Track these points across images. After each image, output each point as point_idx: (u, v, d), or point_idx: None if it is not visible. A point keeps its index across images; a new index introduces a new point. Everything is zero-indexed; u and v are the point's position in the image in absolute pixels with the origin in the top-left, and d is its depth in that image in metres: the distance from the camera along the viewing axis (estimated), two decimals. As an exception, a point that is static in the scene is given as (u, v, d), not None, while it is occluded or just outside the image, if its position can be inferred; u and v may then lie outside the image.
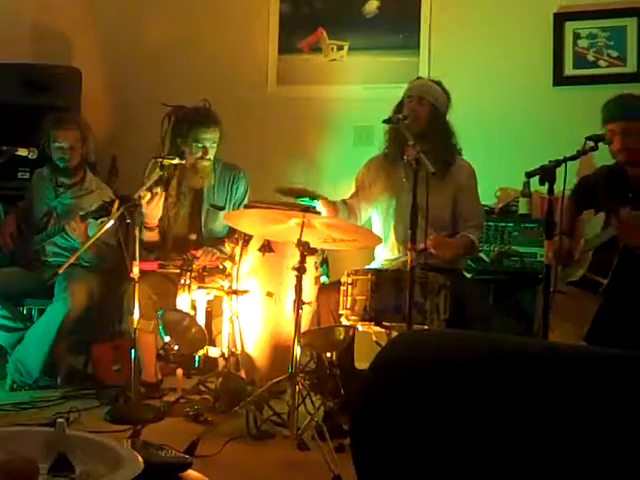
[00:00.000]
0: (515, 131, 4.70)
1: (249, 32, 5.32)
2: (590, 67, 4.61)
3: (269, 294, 3.45)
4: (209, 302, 3.72)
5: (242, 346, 3.51)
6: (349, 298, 3.27)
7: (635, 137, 3.47)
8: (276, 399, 3.49)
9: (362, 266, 3.68)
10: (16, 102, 4.88)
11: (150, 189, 3.81)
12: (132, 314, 3.54)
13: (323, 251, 3.66)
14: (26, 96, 4.91)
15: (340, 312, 3.32)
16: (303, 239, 3.11)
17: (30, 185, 4.56)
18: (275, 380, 3.13)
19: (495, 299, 4.24)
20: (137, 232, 3.62)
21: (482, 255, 4.22)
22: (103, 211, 4.03)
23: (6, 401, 3.76)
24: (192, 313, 3.57)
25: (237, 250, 3.56)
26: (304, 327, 3.28)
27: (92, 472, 1.42)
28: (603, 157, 3.74)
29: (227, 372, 3.56)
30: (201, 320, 3.61)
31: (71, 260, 3.80)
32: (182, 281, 3.60)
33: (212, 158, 4.15)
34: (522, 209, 4.53)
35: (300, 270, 3.09)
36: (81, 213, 4.14)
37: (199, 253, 3.90)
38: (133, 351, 3.57)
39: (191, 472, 1.62)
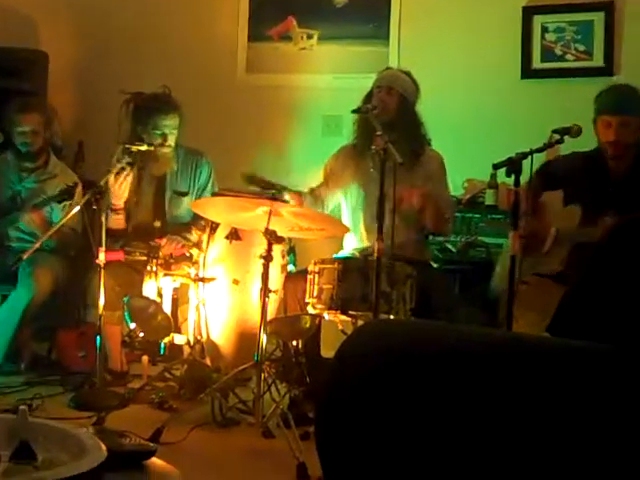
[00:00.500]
0: (483, 123, 4.73)
1: (219, 19, 5.28)
2: (557, 61, 4.65)
3: (235, 282, 3.45)
4: (175, 289, 3.71)
5: (208, 333, 3.51)
6: (316, 287, 3.28)
7: (627, 131, 3.49)
8: (242, 387, 3.49)
9: (330, 255, 3.69)
10: (-19, 86, 4.80)
11: (117, 174, 3.78)
12: (96, 306, 3.53)
13: (290, 240, 3.66)
14: (-10, 79, 4.83)
15: (307, 300, 3.33)
16: (270, 227, 3.11)
17: (-6, 170, 4.51)
18: (241, 368, 3.13)
19: (461, 289, 4.27)
20: (103, 218, 3.59)
21: (448, 245, 4.25)
22: (66, 194, 4.00)
23: (-31, 387, 3.72)
24: (158, 300, 3.56)
25: (204, 237, 3.56)
26: (270, 315, 3.29)
27: (55, 459, 1.41)
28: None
29: (192, 359, 3.56)
30: (167, 307, 3.60)
31: (36, 246, 3.77)
32: (148, 268, 3.58)
33: (173, 145, 4.11)
34: (489, 200, 4.55)
35: (267, 258, 3.09)
36: (35, 201, 4.10)
37: (163, 242, 3.88)
38: (98, 338, 3.55)
39: (155, 460, 1.61)
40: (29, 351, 4.30)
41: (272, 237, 3.11)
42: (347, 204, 3.90)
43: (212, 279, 3.47)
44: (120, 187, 3.89)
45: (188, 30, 5.29)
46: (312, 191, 3.92)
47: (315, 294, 3.28)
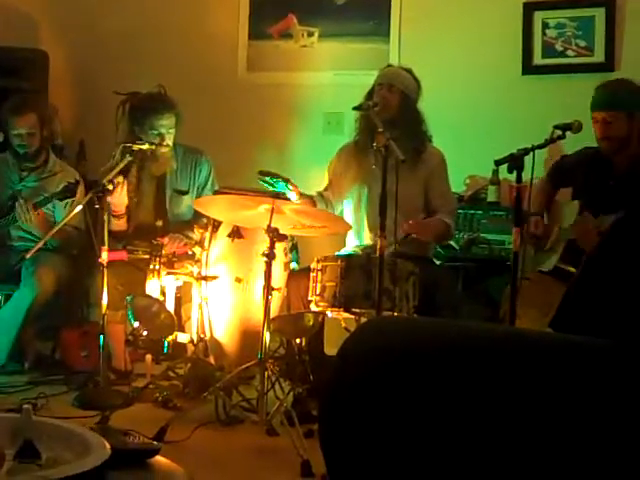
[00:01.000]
0: (484, 119, 4.72)
1: (219, 17, 5.28)
2: (558, 56, 4.64)
3: (238, 280, 3.45)
4: (178, 288, 3.72)
5: (211, 332, 3.51)
6: (318, 284, 3.28)
7: (614, 126, 3.49)
8: (245, 385, 3.50)
9: (332, 253, 3.69)
10: (-18, 85, 4.81)
11: (121, 173, 3.79)
12: (99, 305, 3.53)
13: (293, 237, 3.66)
14: (-8, 79, 4.83)
15: (309, 298, 3.33)
16: (273, 225, 3.11)
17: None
18: (244, 366, 3.14)
19: (464, 286, 4.27)
20: (105, 217, 3.60)
21: (451, 242, 4.25)
22: (68, 192, 4.00)
23: (-27, 387, 3.72)
24: (161, 299, 3.56)
25: (206, 236, 3.56)
26: (273, 313, 3.29)
27: (59, 458, 1.42)
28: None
29: (196, 358, 3.56)
30: (170, 306, 3.60)
31: (39, 245, 3.78)
32: (151, 267, 3.58)
33: (171, 144, 4.11)
34: (491, 197, 4.56)
35: (269, 256, 3.09)
36: (35, 200, 4.11)
37: (165, 241, 3.88)
38: (102, 337, 3.56)
39: (159, 458, 1.61)
40: (33, 350, 4.30)
41: (274, 235, 3.11)
42: (350, 202, 3.90)
43: (215, 277, 3.47)
44: (119, 196, 3.90)
45: (189, 29, 5.29)
46: (321, 195, 3.93)
47: (318, 292, 3.28)
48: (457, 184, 4.35)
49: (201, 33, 5.27)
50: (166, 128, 4.05)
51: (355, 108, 3.55)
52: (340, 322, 3.33)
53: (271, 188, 3.54)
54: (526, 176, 3.17)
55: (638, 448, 0.95)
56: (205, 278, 3.49)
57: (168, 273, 3.60)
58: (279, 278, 3.44)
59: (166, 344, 3.53)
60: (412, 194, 3.69)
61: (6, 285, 4.23)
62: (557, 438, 1.00)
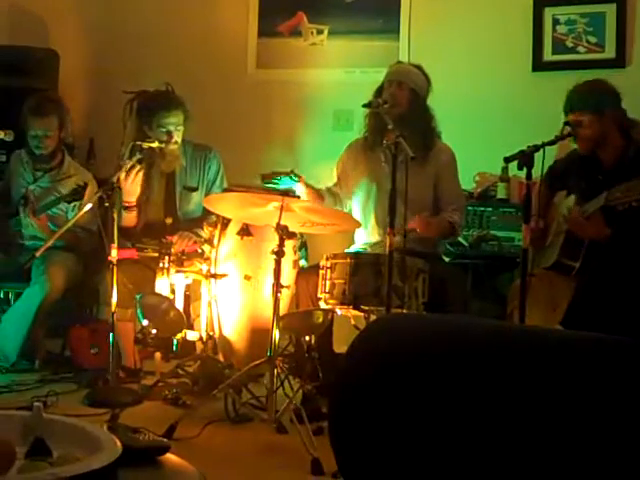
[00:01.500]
0: (494, 116, 4.71)
1: (229, 15, 5.28)
2: (569, 53, 4.63)
3: (247, 278, 3.45)
4: (187, 286, 3.71)
5: (220, 330, 3.51)
6: (328, 282, 3.28)
7: (586, 127, 3.50)
8: (254, 382, 3.50)
9: (341, 250, 3.69)
10: (-7, 84, 4.83)
11: (128, 172, 3.80)
12: (109, 303, 3.54)
13: (302, 235, 3.66)
14: (3, 78, 4.85)
15: (319, 296, 3.33)
16: (282, 223, 3.11)
17: (7, 167, 4.52)
18: (254, 364, 3.13)
19: (473, 283, 4.27)
20: (115, 215, 3.60)
21: (461, 239, 4.24)
22: (75, 195, 4.01)
23: (-17, 385, 3.74)
24: (171, 297, 3.56)
25: (215, 234, 3.56)
26: (283, 311, 3.29)
27: (69, 456, 1.42)
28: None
29: (205, 356, 3.56)
30: (179, 304, 3.60)
31: (48, 243, 3.79)
32: (161, 265, 3.59)
33: (179, 141, 4.12)
34: (500, 194, 4.55)
35: (279, 254, 3.09)
36: (43, 202, 4.12)
37: (175, 239, 3.88)
38: (111, 335, 3.56)
39: (170, 456, 1.62)
40: (43, 348, 4.31)
41: (284, 232, 3.10)
42: (358, 199, 3.90)
43: (224, 275, 3.47)
44: (132, 183, 3.91)
45: (198, 26, 5.30)
46: (330, 190, 3.93)
47: (327, 289, 3.28)
48: (467, 181, 4.35)
49: (211, 31, 5.27)
50: (174, 126, 4.06)
51: (365, 105, 3.55)
52: (349, 320, 3.33)
53: (278, 187, 3.55)
54: (536, 173, 3.16)
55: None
56: (214, 276, 3.49)
57: (177, 271, 3.60)
58: (288, 276, 3.44)
59: (175, 342, 3.53)
60: (421, 191, 3.68)
61: (17, 283, 4.24)
62: (571, 434, 1.00)
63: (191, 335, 3.56)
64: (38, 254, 3.77)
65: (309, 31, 5.14)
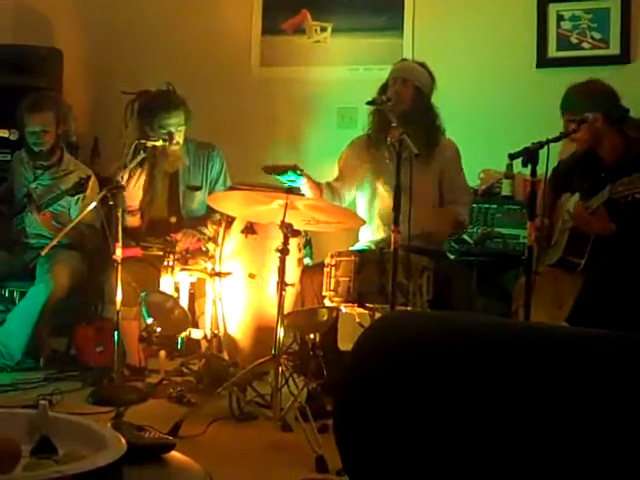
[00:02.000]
0: (498, 113, 4.70)
1: (232, 13, 5.28)
2: (573, 49, 4.62)
3: (251, 276, 3.45)
4: (192, 284, 3.72)
5: (225, 328, 3.51)
6: (332, 279, 3.28)
7: (577, 128, 3.50)
8: (259, 380, 3.50)
9: (346, 248, 3.68)
10: (-4, 83, 4.83)
11: (133, 170, 3.81)
12: (113, 302, 3.54)
13: (306, 233, 3.66)
14: (6, 77, 4.85)
15: (323, 294, 3.33)
16: (286, 221, 3.10)
17: (10, 167, 4.53)
18: (258, 362, 3.14)
19: (478, 281, 4.26)
20: (119, 214, 3.60)
21: (465, 237, 4.24)
22: (79, 188, 4.01)
23: (-12, 383, 3.74)
24: (175, 295, 3.57)
25: (220, 232, 3.56)
26: (287, 309, 3.29)
27: (75, 454, 1.42)
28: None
29: (210, 354, 3.56)
30: (184, 302, 3.61)
31: (53, 242, 3.79)
32: (165, 263, 3.59)
33: (181, 141, 4.11)
34: (505, 191, 4.54)
35: (283, 252, 3.09)
36: (47, 198, 4.12)
37: (179, 236, 3.89)
38: (116, 334, 3.57)
39: (175, 453, 1.62)
40: (48, 347, 4.32)
41: (288, 230, 3.10)
42: (362, 196, 3.89)
43: (228, 274, 3.47)
44: (134, 187, 3.92)
45: (202, 24, 5.29)
46: (329, 184, 3.92)
47: (332, 287, 3.28)
48: (471, 178, 4.33)
49: (214, 29, 5.27)
50: (175, 126, 4.05)
51: (369, 103, 3.54)
52: (354, 317, 3.33)
53: (281, 178, 3.55)
54: (541, 170, 3.15)
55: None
56: (219, 274, 3.49)
57: (182, 269, 3.61)
58: (293, 274, 3.44)
59: (180, 340, 3.54)
60: (426, 188, 3.67)
61: (22, 282, 4.25)
62: (577, 431, 0.99)
63: (196, 333, 3.57)
64: (43, 253, 3.78)
65: (313, 29, 5.13)
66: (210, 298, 3.55)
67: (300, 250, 3.56)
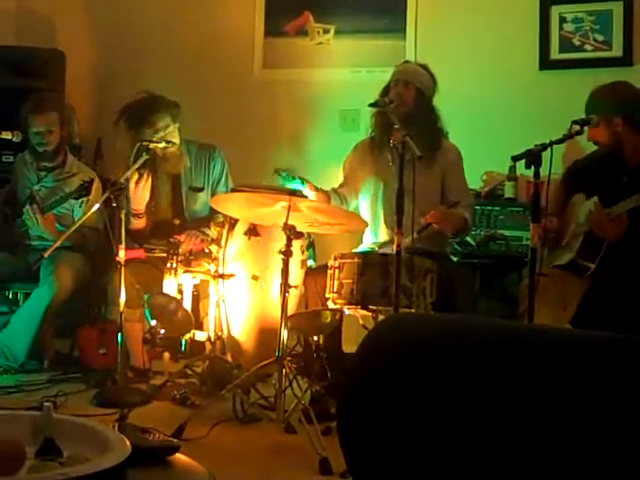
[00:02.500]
0: (501, 115, 4.71)
1: (235, 15, 5.28)
2: (576, 51, 4.62)
3: (255, 278, 3.45)
4: (195, 286, 3.72)
5: (228, 330, 3.52)
6: (336, 282, 3.28)
7: (598, 130, 3.48)
8: (263, 383, 3.50)
9: (349, 250, 3.69)
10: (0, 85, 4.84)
11: (137, 171, 3.81)
12: (117, 304, 3.54)
13: (309, 235, 3.66)
14: (10, 79, 4.86)
15: (327, 296, 3.33)
16: (289, 223, 3.10)
17: (13, 169, 4.53)
18: (262, 364, 3.13)
19: (481, 283, 4.26)
20: (123, 216, 3.61)
21: (468, 239, 4.24)
22: (83, 191, 4.02)
23: (-8, 385, 3.75)
24: (179, 297, 3.57)
25: (223, 234, 3.56)
26: (291, 311, 3.29)
27: (79, 456, 1.42)
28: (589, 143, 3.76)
29: (214, 356, 3.56)
30: (187, 304, 3.61)
31: (56, 244, 3.80)
32: (168, 265, 3.60)
33: (176, 142, 4.10)
34: (508, 193, 4.54)
35: (286, 254, 3.09)
36: (51, 200, 4.12)
37: (182, 237, 3.89)
38: (120, 335, 3.57)
39: (179, 456, 1.62)
40: (51, 349, 4.32)
41: (291, 232, 3.10)
42: (366, 198, 3.90)
43: (231, 275, 3.48)
44: (143, 190, 3.92)
45: (204, 26, 5.30)
46: (335, 191, 3.93)
47: (335, 289, 3.28)
48: (474, 180, 4.34)
49: (217, 31, 5.27)
50: (163, 130, 4.03)
51: (371, 105, 3.55)
52: (358, 319, 3.33)
53: (287, 183, 3.55)
54: (544, 172, 3.15)
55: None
56: (222, 276, 3.49)
57: (185, 271, 3.61)
58: (296, 276, 3.44)
59: (183, 342, 3.54)
60: (429, 190, 3.68)
61: (25, 284, 4.25)
62: (581, 434, 0.99)
63: (199, 335, 3.57)
64: (46, 255, 3.79)
65: (315, 31, 5.14)
66: (213, 300, 3.55)
67: (303, 252, 3.56)
